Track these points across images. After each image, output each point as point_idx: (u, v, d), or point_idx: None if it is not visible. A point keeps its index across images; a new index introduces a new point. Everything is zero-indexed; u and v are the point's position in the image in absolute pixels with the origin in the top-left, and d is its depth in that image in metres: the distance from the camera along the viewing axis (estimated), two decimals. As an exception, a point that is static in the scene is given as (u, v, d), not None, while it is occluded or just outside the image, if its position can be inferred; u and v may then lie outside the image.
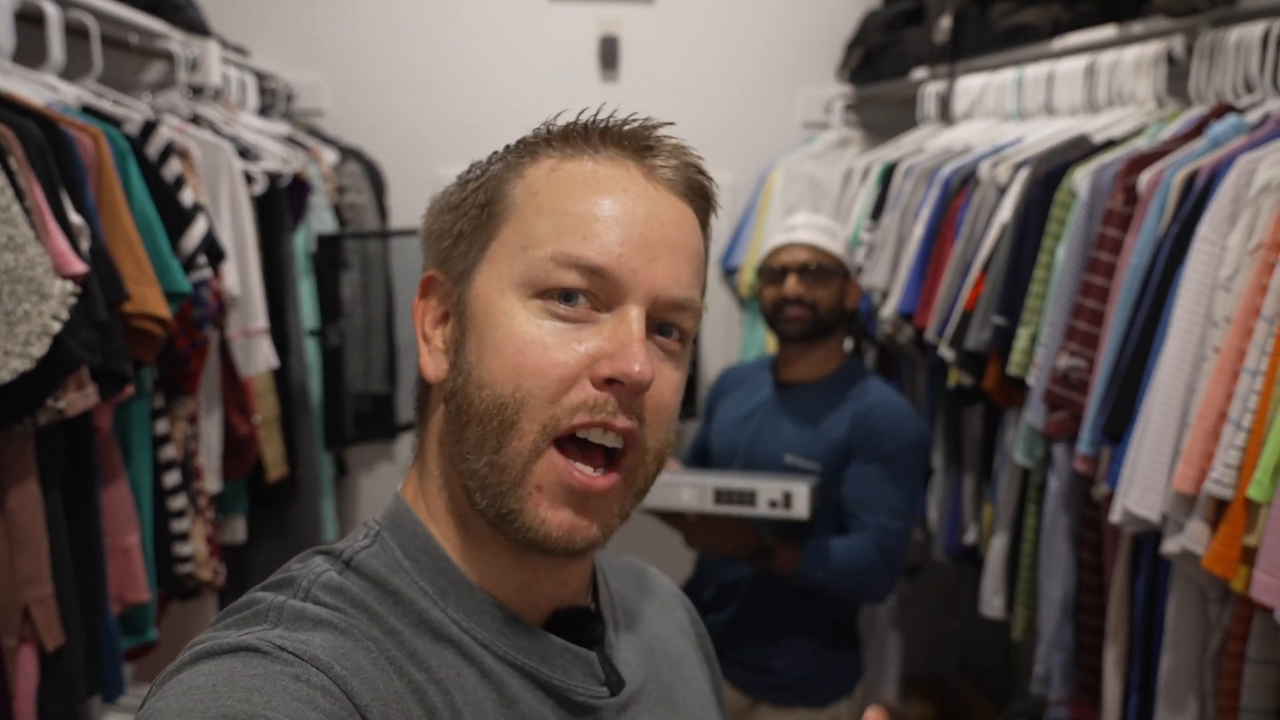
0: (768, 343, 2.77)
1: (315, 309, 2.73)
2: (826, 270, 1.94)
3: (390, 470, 3.40)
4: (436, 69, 3.23)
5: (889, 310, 2.26)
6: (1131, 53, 1.89)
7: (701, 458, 2.19)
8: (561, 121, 0.71)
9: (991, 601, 1.99)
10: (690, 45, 3.32)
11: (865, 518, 1.86)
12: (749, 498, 1.70)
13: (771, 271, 1.97)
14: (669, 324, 0.67)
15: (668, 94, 3.31)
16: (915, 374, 2.46)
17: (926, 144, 2.54)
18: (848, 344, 2.35)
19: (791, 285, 1.92)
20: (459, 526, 0.68)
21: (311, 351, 2.69)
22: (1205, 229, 1.34)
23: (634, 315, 0.64)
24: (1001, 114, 2.35)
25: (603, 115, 0.70)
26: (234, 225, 2.05)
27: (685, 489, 1.73)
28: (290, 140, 2.66)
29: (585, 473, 0.64)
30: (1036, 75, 2.20)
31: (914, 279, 2.18)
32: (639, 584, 0.85)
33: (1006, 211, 1.87)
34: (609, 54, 3.32)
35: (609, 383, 0.63)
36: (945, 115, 2.65)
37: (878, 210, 2.52)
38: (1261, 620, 1.28)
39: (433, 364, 0.69)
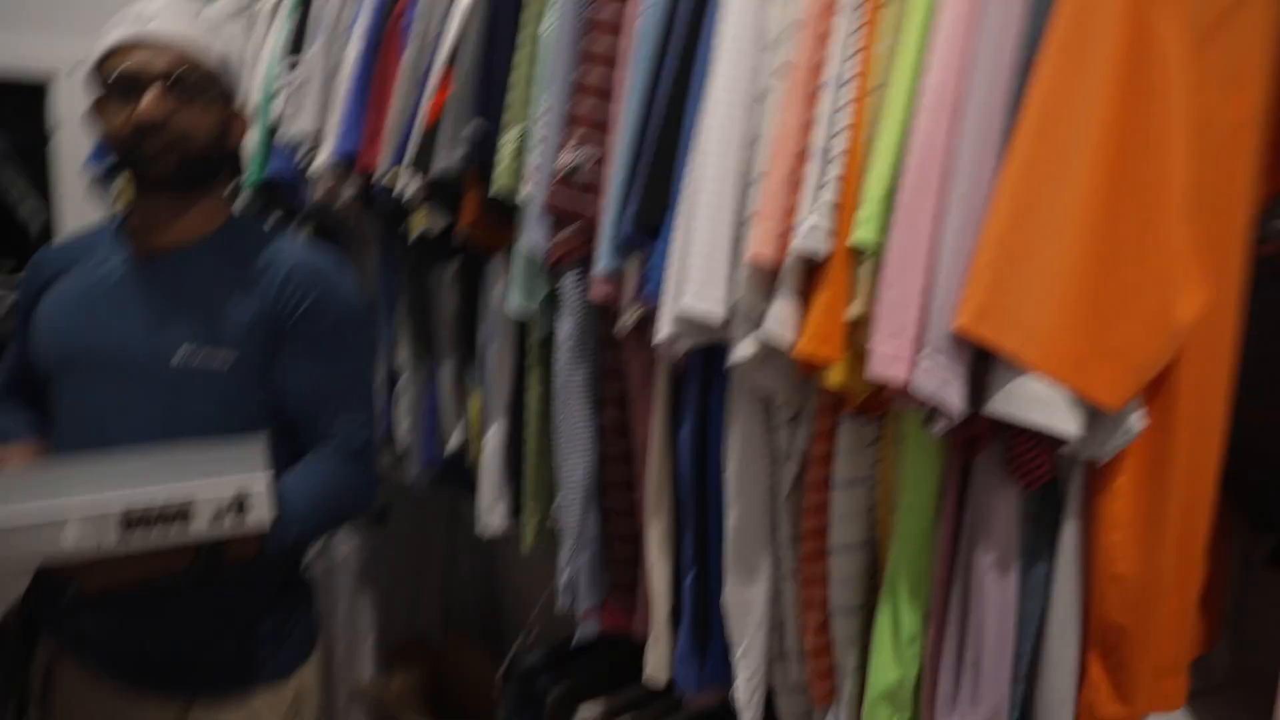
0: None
1: None
2: (203, 84, 1.28)
3: None
4: None
5: (323, 159, 1.70)
6: None
7: (21, 388, 1.43)
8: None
9: (491, 514, 1.55)
10: None
11: (323, 422, 1.33)
12: (181, 514, 1.06)
13: (117, 83, 1.25)
14: None
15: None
16: (362, 252, 1.92)
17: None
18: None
19: (150, 104, 1.23)
20: None
21: None
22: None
23: None
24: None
25: None
26: None
27: (70, 527, 1.03)
28: None
29: None
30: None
31: (353, 110, 1.64)
32: None
33: (470, -8, 1.43)
34: None
35: None
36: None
37: (297, 47, 1.93)
38: (849, 433, 0.99)
39: None
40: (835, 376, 0.91)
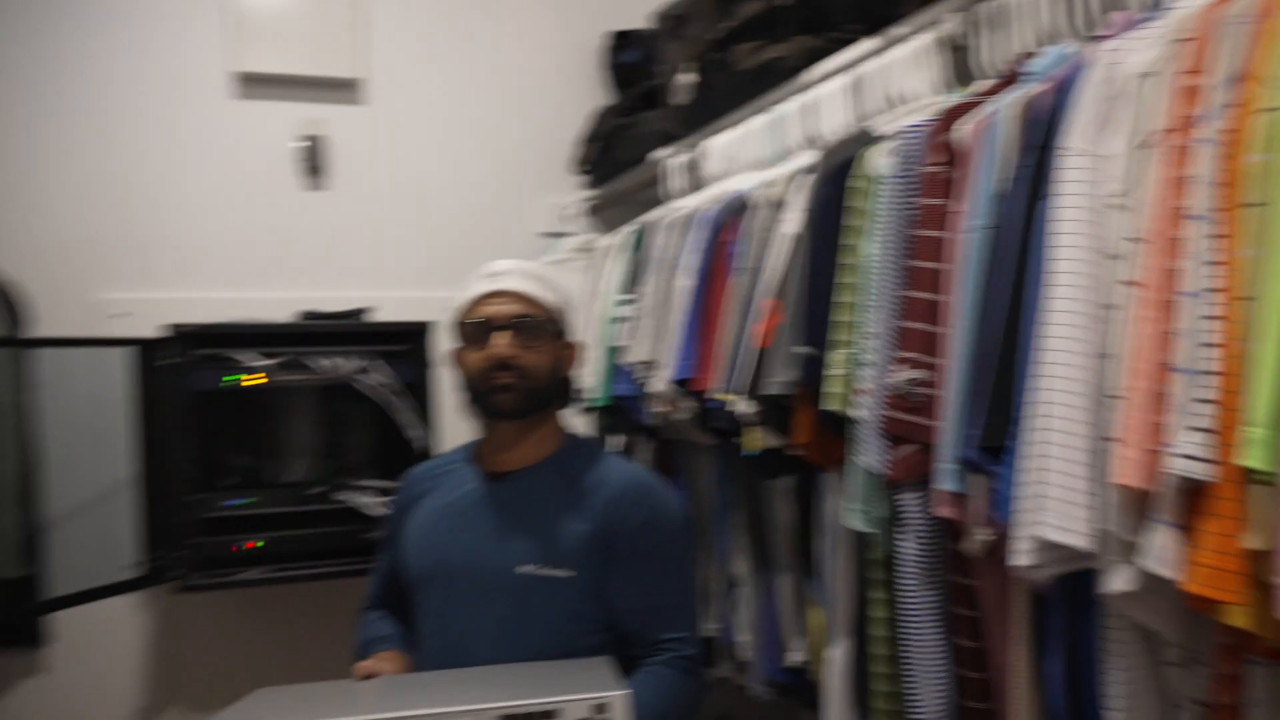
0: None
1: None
2: (542, 326, 1.50)
3: (36, 689, 2.47)
4: (96, 176, 2.60)
5: (660, 381, 1.82)
6: (903, 49, 1.64)
7: (389, 595, 1.63)
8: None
9: (837, 735, 1.49)
10: (410, 151, 2.92)
11: (652, 635, 1.44)
12: None
13: (472, 328, 1.49)
14: None
15: (386, 204, 2.87)
16: (699, 464, 2.01)
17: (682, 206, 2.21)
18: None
19: (500, 344, 1.46)
20: None
21: None
22: (1074, 142, 1.00)
23: None
24: (760, 163, 2.06)
25: None
26: None
27: None
28: None
29: None
30: (795, 109, 1.93)
31: (687, 338, 1.76)
32: None
33: (792, 223, 1.51)
34: (314, 158, 2.84)
35: None
36: (697, 185, 2.34)
37: (634, 280, 2.12)
38: (1262, 680, 0.86)
39: None
40: (1236, 617, 0.81)
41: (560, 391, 1.56)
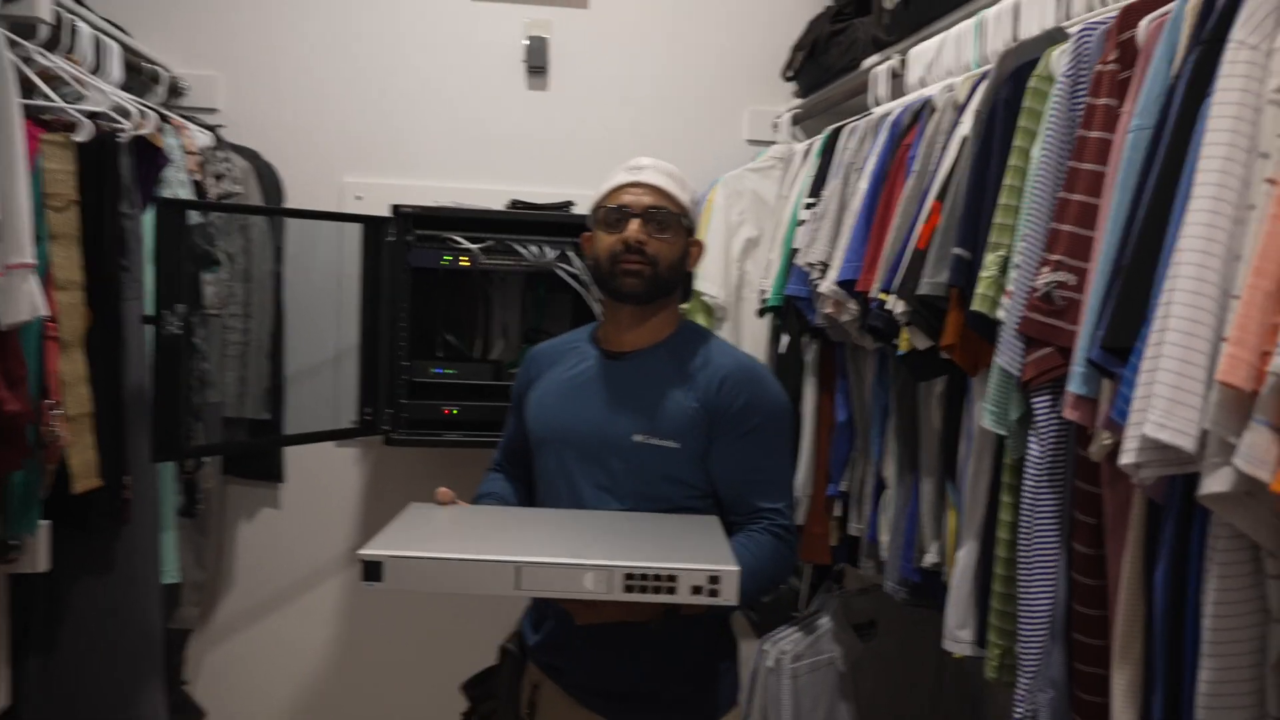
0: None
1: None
2: (673, 219, 1.62)
3: (273, 518, 2.89)
4: (343, 69, 2.90)
5: (828, 282, 1.85)
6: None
7: (511, 458, 1.81)
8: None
9: (957, 634, 1.52)
10: (627, 55, 3.02)
11: (749, 504, 1.58)
12: (666, 583, 1.33)
13: (609, 213, 1.63)
14: None
15: (600, 106, 3.00)
16: (863, 368, 2.03)
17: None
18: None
19: (634, 230, 1.59)
20: None
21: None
22: (1240, 34, 0.95)
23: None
24: (962, 70, 2.00)
25: None
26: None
27: (588, 575, 1.33)
28: (151, 110, 2.26)
29: None
30: (1000, 10, 1.86)
31: (857, 240, 1.78)
32: None
33: (968, 124, 1.49)
34: (536, 58, 3.00)
35: None
36: (900, 93, 2.30)
37: (819, 188, 2.14)
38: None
39: None
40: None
41: (681, 283, 1.68)
